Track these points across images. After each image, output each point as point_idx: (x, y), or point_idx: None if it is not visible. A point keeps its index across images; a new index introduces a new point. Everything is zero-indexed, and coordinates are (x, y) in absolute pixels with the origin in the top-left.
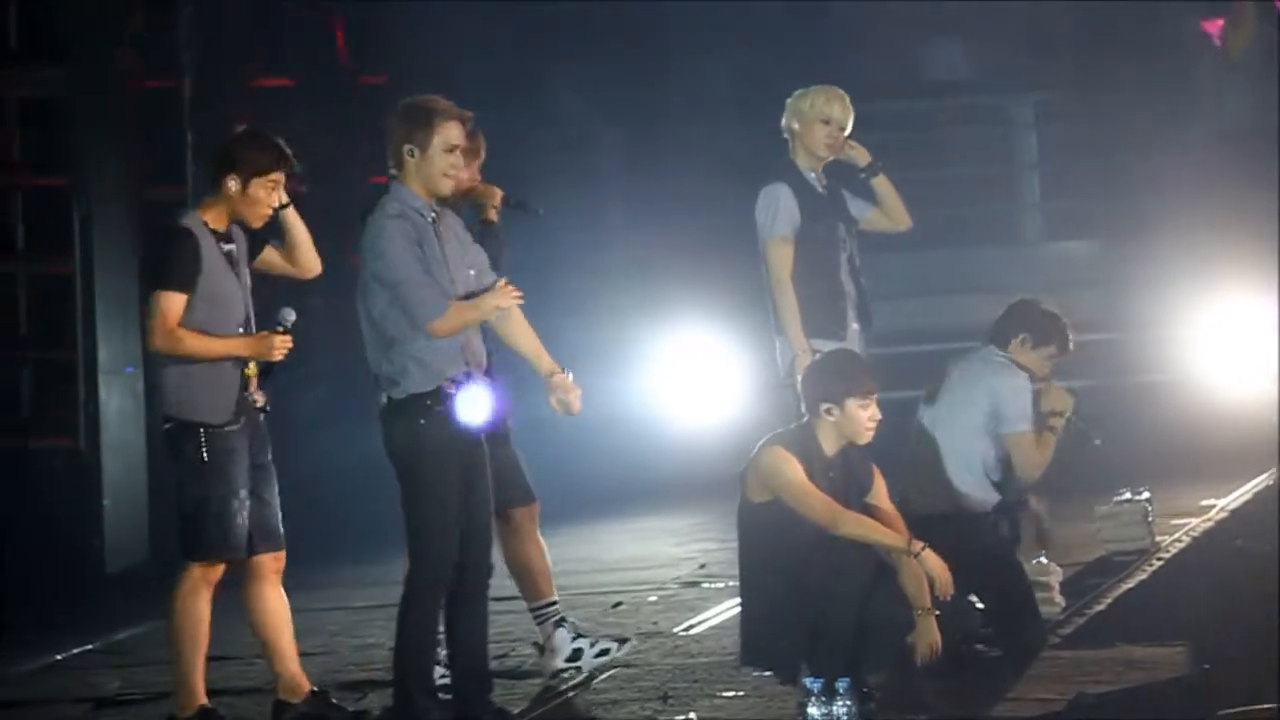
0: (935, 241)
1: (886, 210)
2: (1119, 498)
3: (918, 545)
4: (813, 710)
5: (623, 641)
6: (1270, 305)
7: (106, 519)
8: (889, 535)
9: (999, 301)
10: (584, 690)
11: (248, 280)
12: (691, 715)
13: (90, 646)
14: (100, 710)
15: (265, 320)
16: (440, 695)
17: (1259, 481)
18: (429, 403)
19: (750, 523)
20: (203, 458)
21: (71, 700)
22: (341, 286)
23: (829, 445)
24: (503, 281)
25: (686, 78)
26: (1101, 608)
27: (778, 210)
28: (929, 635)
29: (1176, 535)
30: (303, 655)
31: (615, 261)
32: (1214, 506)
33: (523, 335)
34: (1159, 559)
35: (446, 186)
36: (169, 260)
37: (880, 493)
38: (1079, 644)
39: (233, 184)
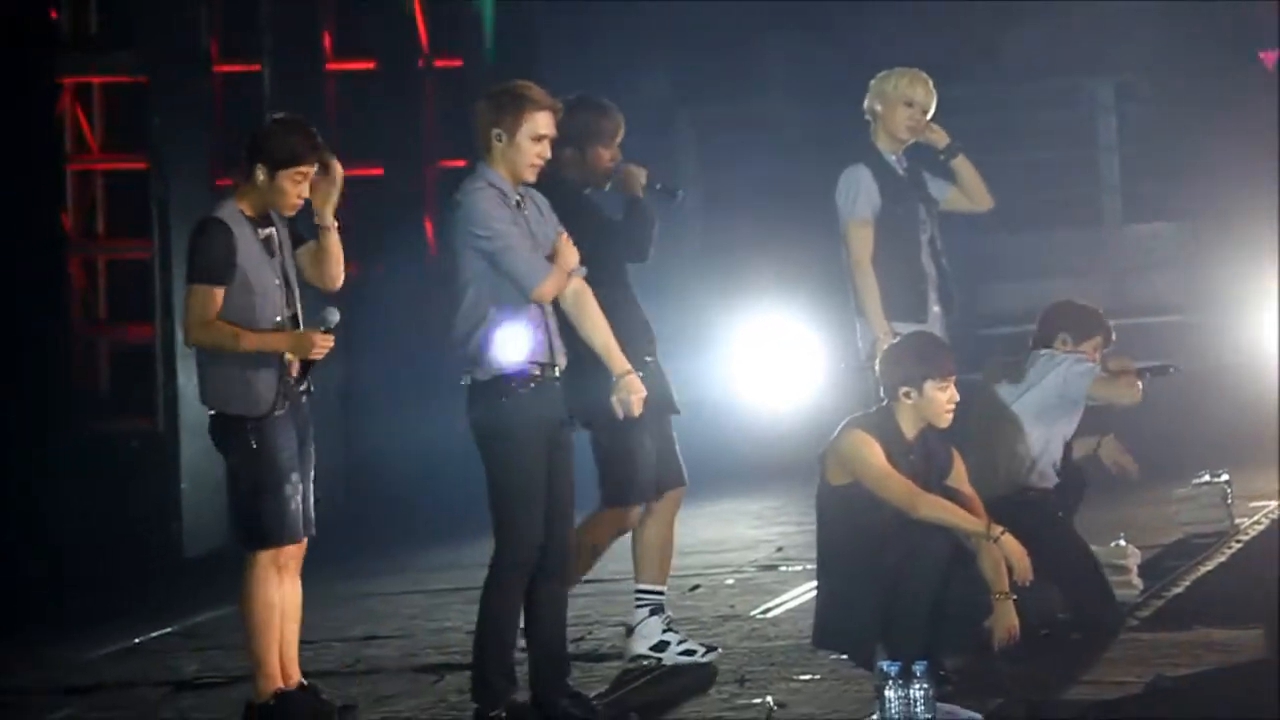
0: (1015, 225)
1: (967, 191)
2: (1198, 480)
3: (997, 529)
4: (889, 693)
5: (711, 649)
6: None
7: (184, 502)
8: (968, 519)
9: (1079, 284)
10: (660, 675)
11: (291, 267)
12: (768, 698)
13: (168, 630)
14: (179, 693)
15: (310, 310)
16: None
17: None
18: (512, 384)
19: (829, 505)
20: (251, 445)
21: (150, 683)
22: (415, 268)
23: (909, 428)
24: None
25: (763, 60)
26: (1180, 590)
27: (858, 192)
28: (1007, 619)
29: (1256, 518)
30: (380, 639)
31: (693, 245)
32: None
33: (597, 330)
34: (1238, 541)
35: (531, 174)
36: (202, 254)
37: (960, 476)
38: (1157, 626)
39: (260, 173)
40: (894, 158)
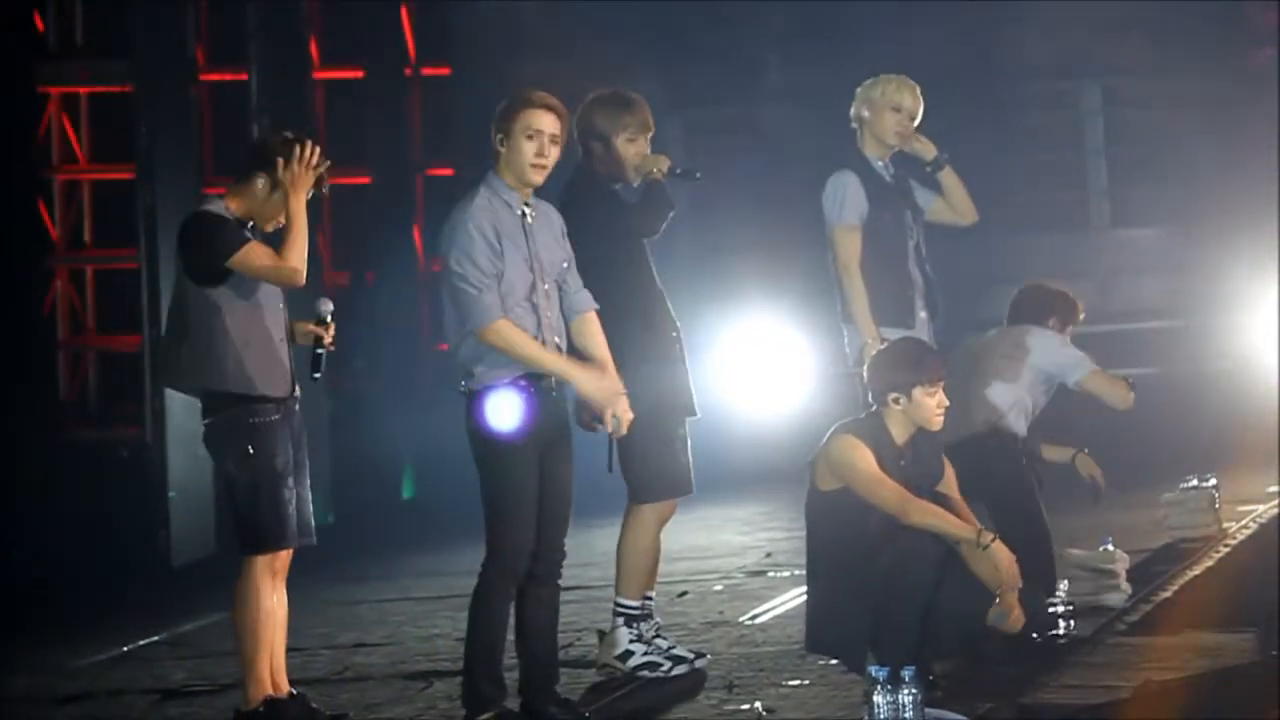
0: (1003, 227)
1: (952, 203)
2: (1186, 484)
3: (988, 536)
4: (878, 698)
5: (700, 655)
6: None
7: (172, 511)
8: (959, 525)
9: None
10: (650, 682)
11: None
12: (757, 704)
13: (157, 638)
14: (167, 701)
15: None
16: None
17: None
18: (504, 393)
19: (819, 511)
20: (248, 450)
21: (138, 691)
22: (404, 275)
23: (899, 434)
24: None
25: (752, 65)
26: (1168, 595)
27: (845, 198)
28: (1014, 611)
29: (1243, 522)
30: (369, 646)
31: (681, 249)
32: None
33: (596, 345)
34: (1226, 545)
35: (535, 175)
36: (221, 234)
37: (950, 482)
38: (1145, 631)
39: (261, 183)
40: (881, 164)
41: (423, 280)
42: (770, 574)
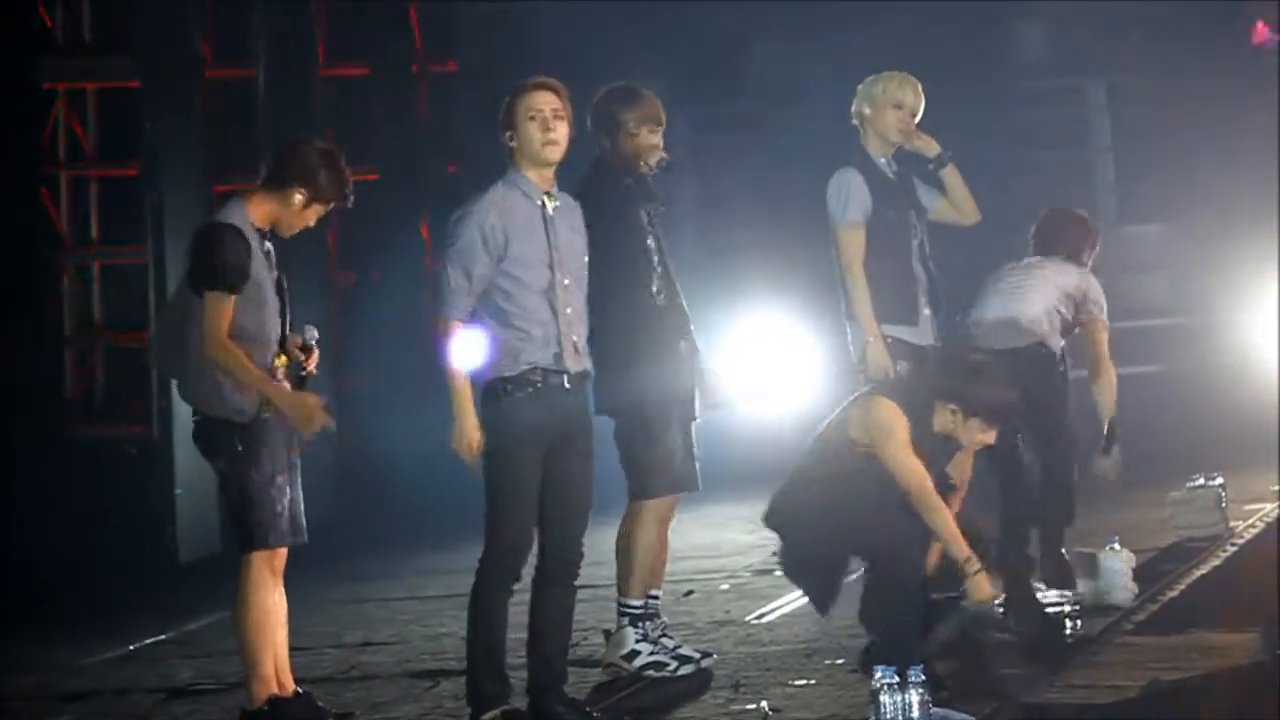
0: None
1: (955, 202)
2: (1192, 483)
3: (975, 565)
4: (884, 698)
5: (706, 655)
6: None
7: (179, 508)
8: (957, 540)
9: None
10: (656, 681)
11: (284, 284)
12: (763, 703)
13: (163, 636)
14: (173, 700)
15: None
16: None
17: None
18: (510, 387)
19: (824, 474)
20: (236, 448)
21: (144, 690)
22: (412, 272)
23: (938, 425)
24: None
25: (755, 63)
26: (1175, 594)
27: (849, 195)
28: (983, 589)
29: (1250, 520)
30: (375, 645)
31: (685, 246)
32: None
33: None
34: (1232, 545)
35: (550, 152)
36: (219, 257)
37: (961, 466)
38: (1152, 630)
39: (299, 198)
40: (884, 161)
41: (429, 278)
42: (776, 573)
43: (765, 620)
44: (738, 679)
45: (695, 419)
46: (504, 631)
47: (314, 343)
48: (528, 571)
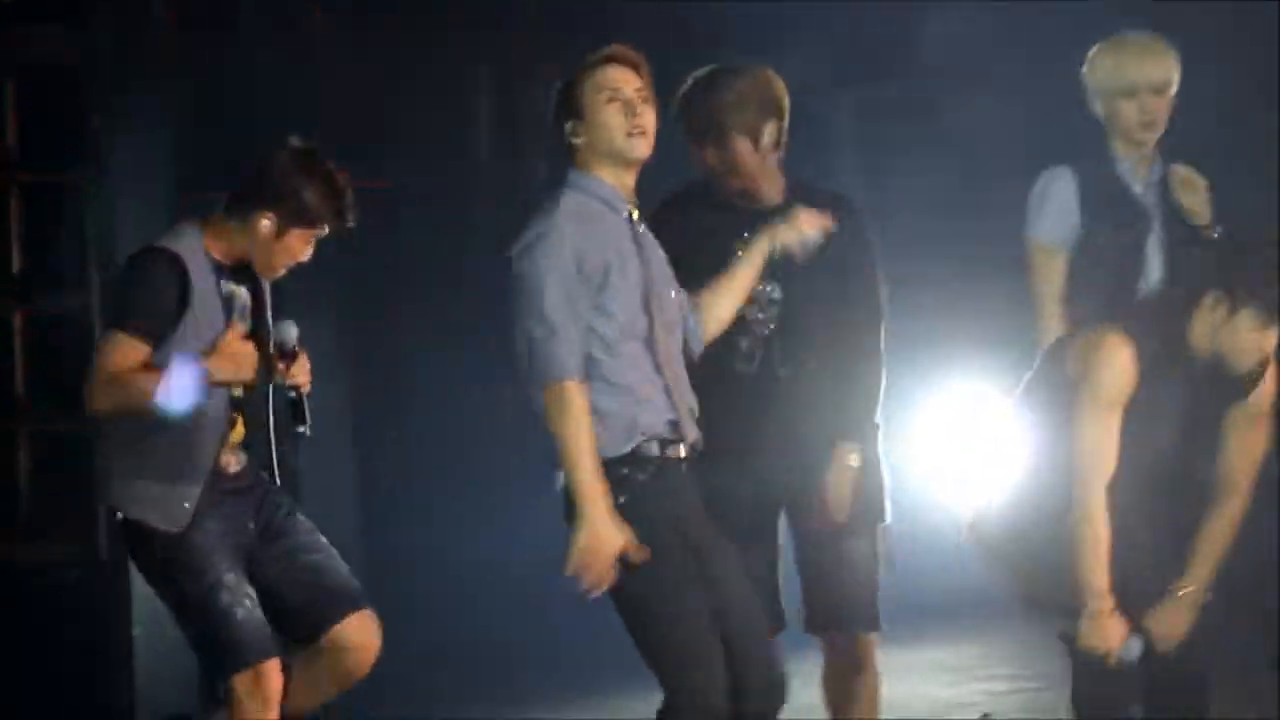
0: None
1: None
2: None
3: (1106, 603)
4: None
5: None
6: None
7: (137, 653)
8: (1100, 569)
9: None
10: None
11: (269, 338)
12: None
13: None
14: None
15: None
16: None
17: None
18: (626, 471)
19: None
20: (157, 557)
21: None
22: (455, 299)
23: (1197, 337)
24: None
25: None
26: None
27: (1044, 202)
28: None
29: None
30: None
31: None
32: None
33: None
34: None
35: (639, 146)
36: (138, 295)
37: (1246, 450)
38: None
39: (267, 224)
40: (1128, 166)
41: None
42: None
43: None
44: None
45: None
46: None
47: (295, 346)
48: None
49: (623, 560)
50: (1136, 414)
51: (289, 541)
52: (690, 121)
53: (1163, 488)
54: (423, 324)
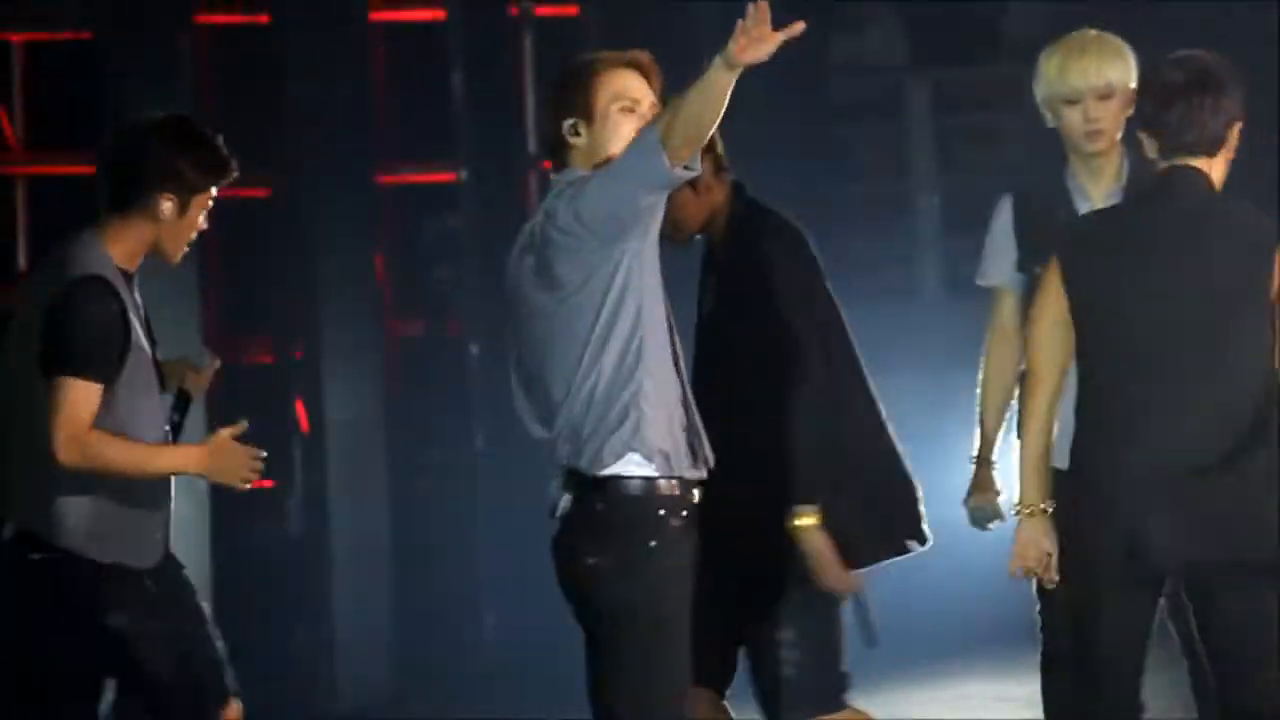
0: None
1: None
2: None
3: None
4: None
5: None
6: None
7: None
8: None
9: None
10: None
11: (155, 348)
12: None
13: None
14: None
15: None
16: None
17: None
18: (663, 512)
19: None
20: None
21: None
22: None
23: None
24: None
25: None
26: None
27: (987, 240)
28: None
29: None
30: None
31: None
32: None
33: None
34: None
35: None
36: (88, 333)
37: None
38: None
39: (169, 205)
40: (1079, 184)
41: None
42: None
43: None
44: None
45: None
46: None
47: (208, 361)
48: None
49: (647, 615)
50: None
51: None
52: None
53: None
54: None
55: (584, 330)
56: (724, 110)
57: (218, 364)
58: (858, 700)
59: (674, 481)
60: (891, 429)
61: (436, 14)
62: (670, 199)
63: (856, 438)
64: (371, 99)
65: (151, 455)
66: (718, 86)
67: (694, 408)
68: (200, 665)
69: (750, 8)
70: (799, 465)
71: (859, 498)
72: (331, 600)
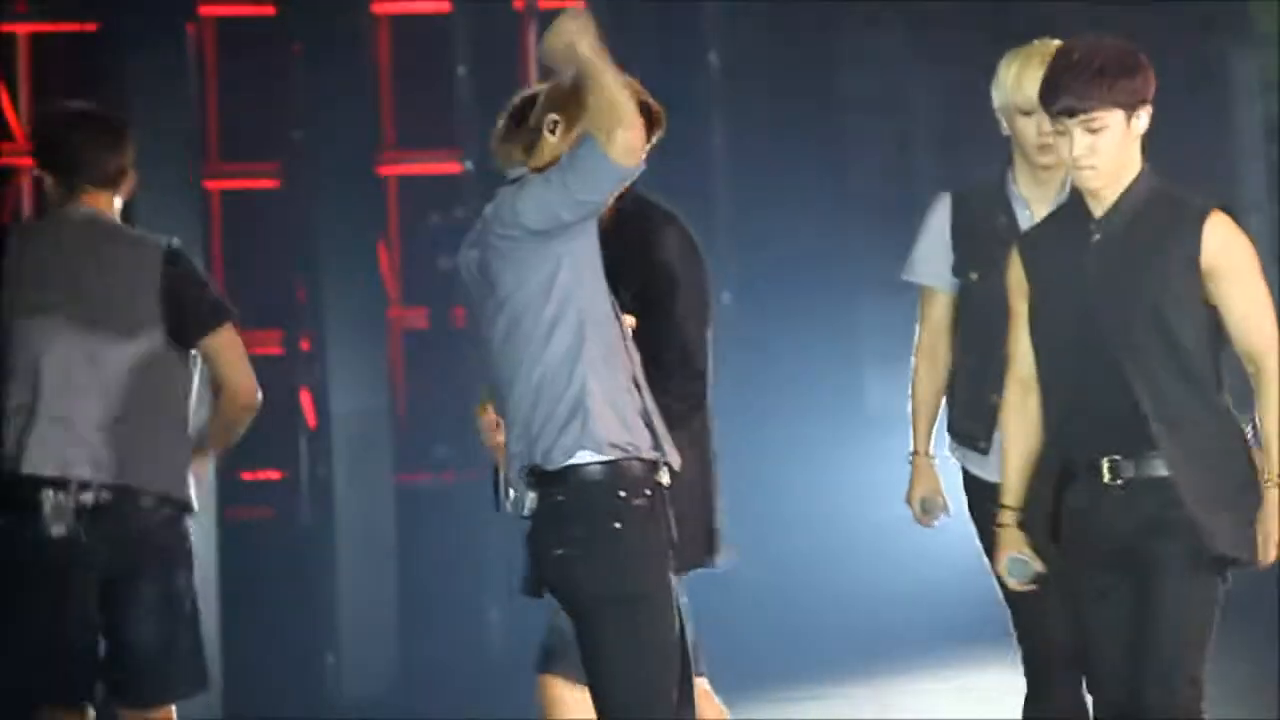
0: None
1: None
2: None
3: None
4: None
5: None
6: None
7: None
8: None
9: None
10: None
11: None
12: None
13: None
14: None
15: None
16: None
17: None
18: (624, 494)
19: None
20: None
21: None
22: None
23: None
24: None
25: None
26: None
27: (919, 237)
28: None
29: None
30: None
31: None
32: None
33: None
34: None
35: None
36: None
37: None
38: None
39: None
40: (1021, 195)
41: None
42: None
43: None
44: None
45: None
46: None
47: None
48: None
49: (634, 595)
50: None
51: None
52: None
53: None
54: None
55: (526, 330)
56: (626, 89)
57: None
58: (858, 693)
59: (633, 463)
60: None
61: (441, 6)
62: None
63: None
64: (376, 91)
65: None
66: (593, 70)
67: (648, 393)
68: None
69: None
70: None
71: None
72: (336, 592)
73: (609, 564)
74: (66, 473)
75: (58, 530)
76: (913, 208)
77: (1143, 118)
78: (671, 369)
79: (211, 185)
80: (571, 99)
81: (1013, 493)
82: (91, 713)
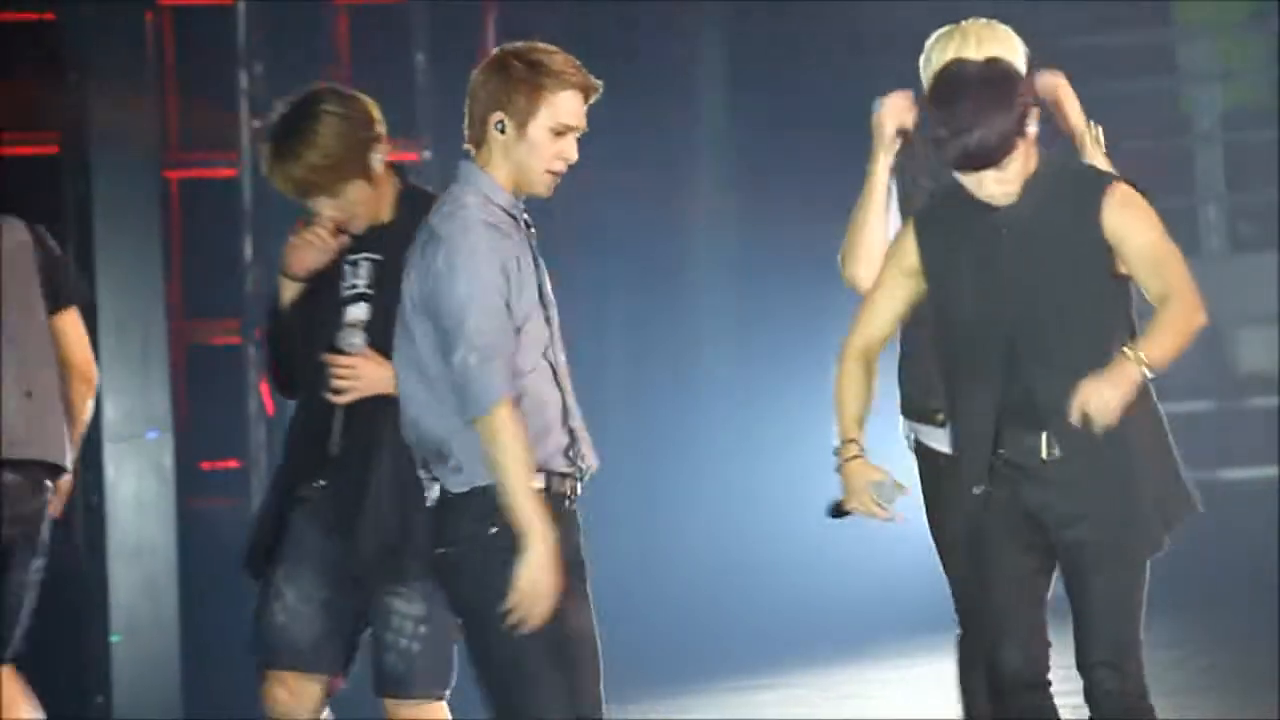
0: None
1: None
2: None
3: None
4: None
5: None
6: None
7: (115, 664)
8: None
9: None
10: None
11: None
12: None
13: None
14: None
15: None
16: None
17: None
18: (566, 499)
19: None
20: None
21: None
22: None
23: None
24: None
25: None
26: None
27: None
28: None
29: None
30: None
31: None
32: None
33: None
34: None
35: (544, 185)
36: None
37: None
38: None
39: None
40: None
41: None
42: None
43: None
44: None
45: None
46: None
47: None
48: None
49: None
50: None
51: None
52: None
53: None
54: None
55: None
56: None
57: None
58: (838, 675)
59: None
60: None
61: None
62: (347, 195)
63: None
64: (335, 78)
65: None
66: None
67: (574, 411)
68: None
69: None
70: None
71: None
72: None
73: (482, 572)
74: None
75: None
76: None
77: (1033, 123)
78: None
79: (170, 174)
80: (519, 100)
81: (850, 428)
82: None
